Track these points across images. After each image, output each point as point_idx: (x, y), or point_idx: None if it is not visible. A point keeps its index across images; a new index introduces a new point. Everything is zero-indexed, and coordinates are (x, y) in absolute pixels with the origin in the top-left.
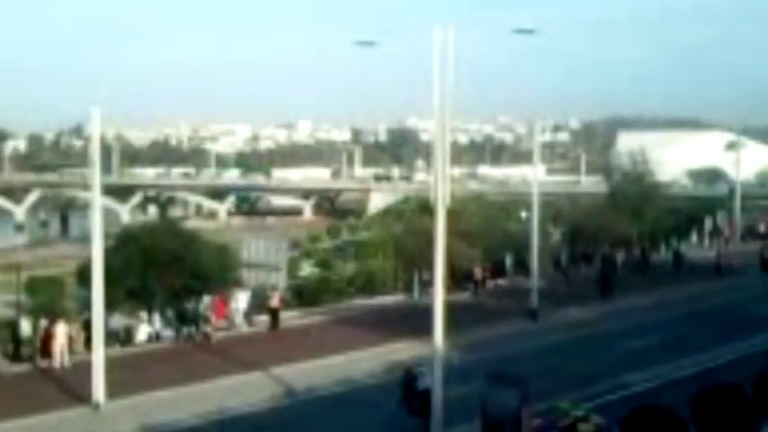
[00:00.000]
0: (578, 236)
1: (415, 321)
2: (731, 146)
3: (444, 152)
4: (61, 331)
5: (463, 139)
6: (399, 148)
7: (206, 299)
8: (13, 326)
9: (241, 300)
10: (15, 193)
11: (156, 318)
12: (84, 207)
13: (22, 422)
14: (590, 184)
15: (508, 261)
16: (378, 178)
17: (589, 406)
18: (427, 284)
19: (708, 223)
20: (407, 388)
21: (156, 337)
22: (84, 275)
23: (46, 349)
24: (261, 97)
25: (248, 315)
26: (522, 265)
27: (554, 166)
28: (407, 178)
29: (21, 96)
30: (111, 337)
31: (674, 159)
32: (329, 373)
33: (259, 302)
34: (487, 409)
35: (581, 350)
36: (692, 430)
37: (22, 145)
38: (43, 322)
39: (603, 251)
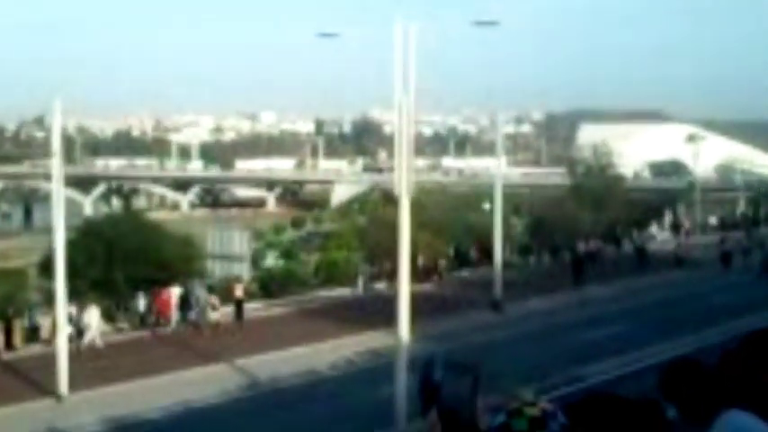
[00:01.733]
0: (541, 227)
1: (378, 313)
2: (691, 138)
3: (408, 143)
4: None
5: (427, 131)
6: (363, 140)
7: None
8: None
9: (173, 295)
10: None
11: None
12: (47, 198)
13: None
14: (551, 176)
15: (473, 253)
16: (367, 169)
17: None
18: (374, 278)
19: (668, 215)
20: (426, 383)
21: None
22: (46, 267)
23: (9, 342)
24: (224, 88)
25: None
26: (486, 256)
27: (517, 157)
28: (380, 170)
29: None
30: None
31: (636, 151)
32: (293, 364)
33: (222, 294)
34: (442, 396)
35: (542, 341)
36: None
37: None
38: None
39: (577, 242)
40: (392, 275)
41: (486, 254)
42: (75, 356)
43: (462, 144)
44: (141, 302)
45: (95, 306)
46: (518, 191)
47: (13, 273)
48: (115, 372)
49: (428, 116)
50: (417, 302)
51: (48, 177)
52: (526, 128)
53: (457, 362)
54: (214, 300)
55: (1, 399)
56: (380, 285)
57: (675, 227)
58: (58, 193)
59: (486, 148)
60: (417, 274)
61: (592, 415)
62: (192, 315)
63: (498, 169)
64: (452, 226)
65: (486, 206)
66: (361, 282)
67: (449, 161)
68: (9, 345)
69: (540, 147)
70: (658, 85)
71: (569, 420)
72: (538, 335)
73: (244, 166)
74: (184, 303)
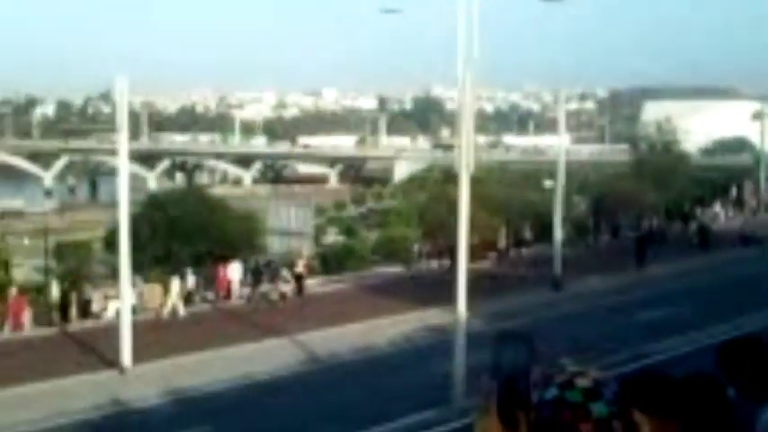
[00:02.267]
0: (603, 206)
1: (437, 289)
2: (758, 115)
3: (469, 121)
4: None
5: (489, 108)
6: (425, 117)
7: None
8: (41, 290)
9: (235, 270)
10: (44, 159)
11: (190, 280)
12: (112, 173)
13: (53, 384)
14: (615, 152)
15: (528, 232)
16: (436, 146)
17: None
18: (431, 255)
19: (733, 193)
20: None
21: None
22: (111, 241)
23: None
24: (287, 65)
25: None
26: (546, 235)
27: (580, 134)
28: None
29: (49, 62)
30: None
31: (702, 129)
32: (352, 340)
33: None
34: (500, 365)
35: (601, 320)
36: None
37: (50, 110)
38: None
39: (640, 220)
40: (449, 253)
41: (544, 232)
42: (140, 328)
43: (524, 121)
44: (190, 279)
45: (178, 277)
46: (581, 168)
47: (79, 246)
48: (178, 345)
49: (490, 92)
50: (476, 280)
51: (113, 152)
52: (590, 105)
53: (511, 333)
54: (286, 273)
55: (65, 370)
56: (437, 263)
57: (740, 204)
58: (123, 167)
59: (548, 126)
60: (476, 252)
61: (646, 392)
62: (265, 288)
63: (560, 146)
64: (512, 204)
65: (548, 183)
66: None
67: (510, 138)
68: (65, 318)
69: (604, 124)
70: (725, 62)
71: (624, 397)
72: (597, 313)
73: (306, 142)
74: (257, 276)
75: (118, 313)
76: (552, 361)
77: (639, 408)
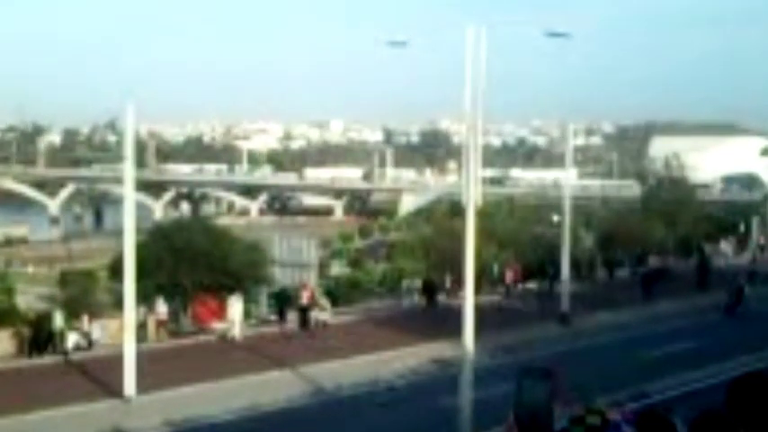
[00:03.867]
0: (611, 241)
1: (444, 323)
2: (766, 152)
3: (476, 154)
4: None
5: (496, 142)
6: (431, 150)
7: None
8: (43, 319)
9: (235, 303)
10: (50, 187)
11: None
12: (118, 202)
13: (57, 412)
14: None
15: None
16: (493, 182)
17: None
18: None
19: (741, 229)
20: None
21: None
22: (116, 269)
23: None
24: (293, 96)
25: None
26: (554, 269)
27: (587, 169)
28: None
29: (55, 91)
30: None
31: (709, 165)
32: (358, 372)
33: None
34: (521, 402)
35: (608, 355)
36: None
37: (56, 139)
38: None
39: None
40: (426, 290)
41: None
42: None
43: (531, 155)
44: (161, 308)
45: (238, 299)
46: (588, 203)
47: (84, 274)
48: (181, 374)
49: (497, 126)
50: (484, 314)
51: (119, 181)
52: (597, 140)
53: (535, 368)
54: (325, 300)
55: (68, 399)
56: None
57: (741, 241)
58: (129, 196)
59: (555, 160)
60: (484, 286)
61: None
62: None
63: (567, 181)
64: (520, 238)
65: (555, 218)
66: (404, 294)
67: (517, 172)
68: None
69: (611, 159)
70: (732, 98)
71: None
72: (604, 349)
73: (312, 174)
74: (283, 304)
75: (76, 347)
76: (586, 398)
77: None
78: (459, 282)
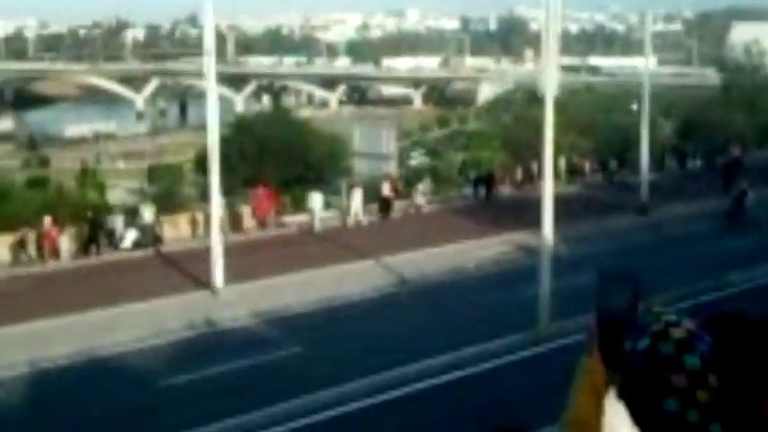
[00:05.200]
0: (690, 129)
1: (521, 213)
2: None
3: (553, 41)
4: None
5: (574, 29)
6: (508, 38)
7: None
8: (100, 217)
9: (316, 200)
10: (135, 82)
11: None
12: (201, 96)
13: (149, 304)
14: (702, 76)
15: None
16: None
17: (677, 308)
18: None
19: None
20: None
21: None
22: (201, 163)
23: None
24: None
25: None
26: (633, 159)
27: (666, 56)
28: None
29: None
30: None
31: None
32: (439, 262)
33: (370, 192)
34: (602, 305)
35: (688, 246)
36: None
37: (140, 34)
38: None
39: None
40: (485, 182)
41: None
42: (229, 249)
43: (610, 42)
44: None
45: (317, 192)
46: (668, 91)
47: (171, 168)
48: (267, 266)
49: (575, 12)
50: (562, 204)
51: (201, 75)
52: (677, 26)
53: (617, 273)
54: (422, 185)
55: (157, 291)
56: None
57: None
58: (211, 90)
59: (633, 47)
60: (561, 176)
61: (724, 332)
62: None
63: (646, 68)
64: (598, 126)
65: (634, 107)
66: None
67: (596, 60)
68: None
69: (691, 46)
70: None
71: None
72: (683, 240)
73: (390, 63)
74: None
75: (136, 243)
76: (647, 307)
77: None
78: (529, 173)
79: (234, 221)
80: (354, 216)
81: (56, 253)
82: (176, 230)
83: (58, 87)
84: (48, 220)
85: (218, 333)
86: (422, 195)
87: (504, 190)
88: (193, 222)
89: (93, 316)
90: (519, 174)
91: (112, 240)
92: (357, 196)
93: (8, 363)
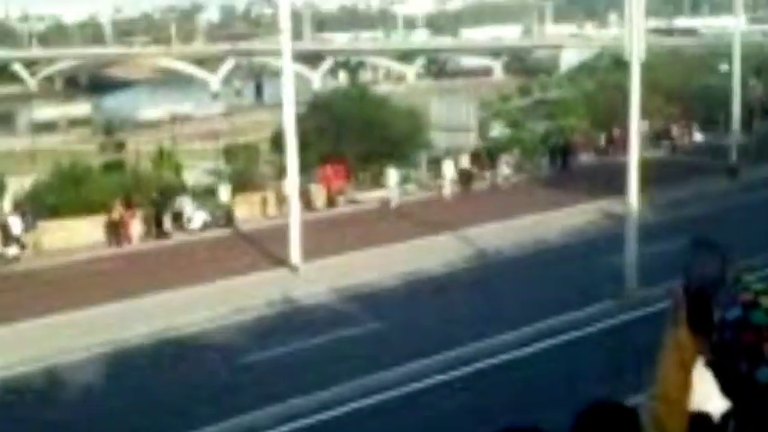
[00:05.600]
0: None
1: (610, 180)
2: None
3: (638, 4)
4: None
5: None
6: (592, 2)
7: None
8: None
9: (392, 176)
10: (210, 63)
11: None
12: (277, 74)
13: (230, 282)
14: None
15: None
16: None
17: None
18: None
19: None
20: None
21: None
22: (278, 142)
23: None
24: None
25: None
26: (724, 122)
27: (757, 15)
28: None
29: None
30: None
31: None
32: (525, 232)
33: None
34: (691, 274)
35: None
36: None
37: (214, 16)
38: None
39: None
40: (562, 153)
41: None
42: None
43: (698, 2)
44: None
45: (395, 168)
46: (759, 51)
47: (247, 148)
48: (347, 241)
49: None
50: (651, 169)
51: (277, 54)
52: None
53: (706, 241)
54: (508, 157)
55: (237, 269)
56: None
57: None
58: (287, 69)
59: (723, 7)
60: (649, 140)
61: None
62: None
63: (736, 28)
64: (686, 90)
65: (724, 67)
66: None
67: (683, 21)
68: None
69: None
70: None
71: None
72: None
73: (469, 34)
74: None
75: (205, 224)
76: (736, 275)
77: None
78: (612, 138)
79: (305, 200)
80: (450, 186)
81: (127, 238)
82: (251, 209)
83: (134, 71)
84: (118, 204)
85: (300, 309)
86: (506, 166)
87: (585, 158)
88: (264, 202)
89: (178, 294)
90: (602, 140)
91: (181, 222)
92: (449, 168)
93: (93, 342)
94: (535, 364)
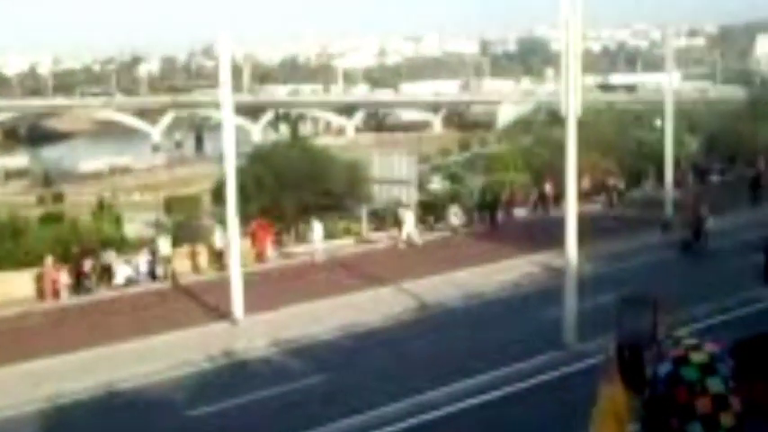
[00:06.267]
0: (716, 145)
1: (546, 234)
2: None
3: (575, 61)
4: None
5: (596, 47)
6: (528, 59)
7: None
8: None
9: (316, 230)
10: (151, 115)
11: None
12: (218, 127)
13: (171, 336)
14: (728, 90)
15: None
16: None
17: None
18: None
19: None
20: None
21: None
22: (219, 194)
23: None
24: (387, 9)
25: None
26: (658, 176)
27: (689, 72)
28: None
29: (152, 18)
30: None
31: None
32: (461, 287)
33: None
34: (622, 331)
35: (714, 262)
36: None
37: (155, 67)
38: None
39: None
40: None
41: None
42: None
43: (632, 60)
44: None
45: (318, 223)
46: (692, 107)
47: (188, 200)
48: (287, 295)
49: (596, 31)
50: (585, 223)
51: (218, 106)
52: (699, 41)
53: (635, 297)
54: (457, 208)
55: (177, 323)
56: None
57: None
58: (228, 121)
59: (657, 64)
60: (584, 195)
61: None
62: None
63: (669, 85)
64: (622, 145)
65: (658, 123)
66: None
67: (618, 77)
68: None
69: (715, 61)
70: None
71: (737, 360)
72: (710, 255)
73: (408, 89)
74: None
75: (128, 281)
76: (667, 331)
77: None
78: (543, 195)
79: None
80: (407, 237)
81: (55, 292)
82: (185, 263)
83: (73, 123)
84: (49, 259)
85: (237, 364)
86: (455, 217)
87: (522, 212)
88: (193, 256)
89: (114, 349)
90: (534, 195)
91: (107, 276)
92: (409, 219)
93: (25, 399)
94: (480, 415)
